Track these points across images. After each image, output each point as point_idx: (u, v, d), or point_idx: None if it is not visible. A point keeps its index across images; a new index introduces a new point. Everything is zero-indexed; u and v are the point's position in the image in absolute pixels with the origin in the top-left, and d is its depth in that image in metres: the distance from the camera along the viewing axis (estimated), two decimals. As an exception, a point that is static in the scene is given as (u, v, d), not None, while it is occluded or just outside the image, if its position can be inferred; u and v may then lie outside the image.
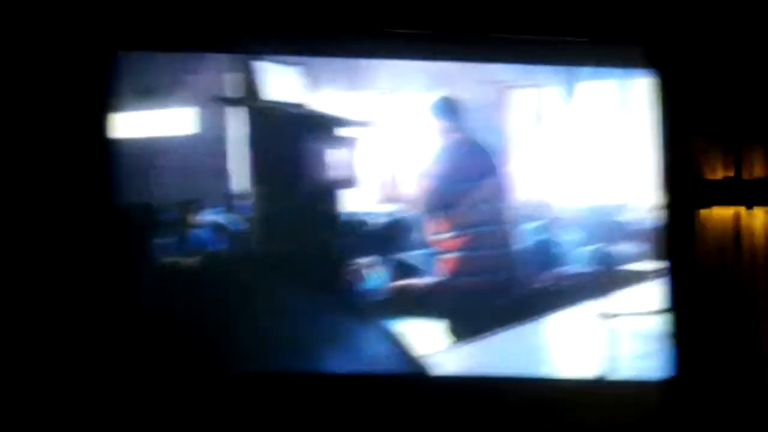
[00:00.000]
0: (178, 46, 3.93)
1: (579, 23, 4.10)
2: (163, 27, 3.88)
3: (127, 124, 3.88)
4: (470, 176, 4.26)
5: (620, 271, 4.28)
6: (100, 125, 3.82)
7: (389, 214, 4.26)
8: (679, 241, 4.13)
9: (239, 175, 4.04)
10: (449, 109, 4.29)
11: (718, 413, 4.05)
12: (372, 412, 3.95)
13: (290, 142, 4.09)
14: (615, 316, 4.16)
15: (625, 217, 4.36)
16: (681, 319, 4.13)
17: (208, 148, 4.04)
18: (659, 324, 4.11)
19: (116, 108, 3.84)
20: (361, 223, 4.18)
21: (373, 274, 4.09)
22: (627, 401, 4.04)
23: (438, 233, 4.23)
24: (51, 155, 3.79)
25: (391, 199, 4.26)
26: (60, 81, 3.79)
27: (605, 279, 4.23)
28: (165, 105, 4.02)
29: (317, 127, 4.13)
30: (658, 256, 4.18)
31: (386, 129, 4.26)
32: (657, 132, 4.16)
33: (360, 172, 4.18)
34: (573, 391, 4.10)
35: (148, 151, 3.93)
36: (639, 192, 4.31)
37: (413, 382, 4.05)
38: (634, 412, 4.03)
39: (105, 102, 3.82)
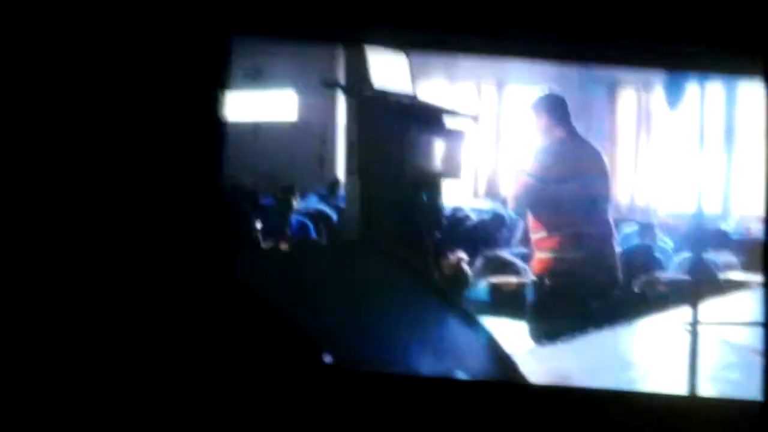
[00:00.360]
0: (290, 34, 3.93)
1: (692, 29, 4.04)
2: (277, 15, 3.89)
3: (236, 106, 3.88)
4: (571, 175, 4.19)
5: (717, 280, 4.21)
6: (210, 105, 3.83)
7: (489, 210, 4.22)
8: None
9: (343, 162, 4.03)
10: (554, 105, 4.24)
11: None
12: (459, 417, 3.94)
13: (396, 131, 4.06)
14: (708, 325, 4.11)
15: (728, 226, 4.29)
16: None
17: (315, 134, 4.03)
18: (754, 338, 4.06)
19: (227, 89, 3.85)
20: (461, 218, 4.14)
21: (471, 269, 4.05)
22: (715, 421, 3.99)
23: (536, 232, 4.18)
24: (162, 131, 3.82)
25: (491, 195, 4.22)
26: (177, 61, 3.82)
27: (701, 287, 4.16)
28: (274, 88, 4.02)
29: (423, 117, 4.10)
30: (759, 268, 4.14)
31: (490, 124, 4.22)
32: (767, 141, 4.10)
33: (463, 165, 4.14)
34: (659, 406, 4.06)
35: (256, 134, 3.91)
36: (743, 201, 4.26)
37: (499, 388, 4.02)
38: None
39: (217, 83, 3.84)
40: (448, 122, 4.14)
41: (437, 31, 3.98)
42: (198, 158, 3.81)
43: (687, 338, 4.06)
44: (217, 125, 3.84)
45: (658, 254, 4.29)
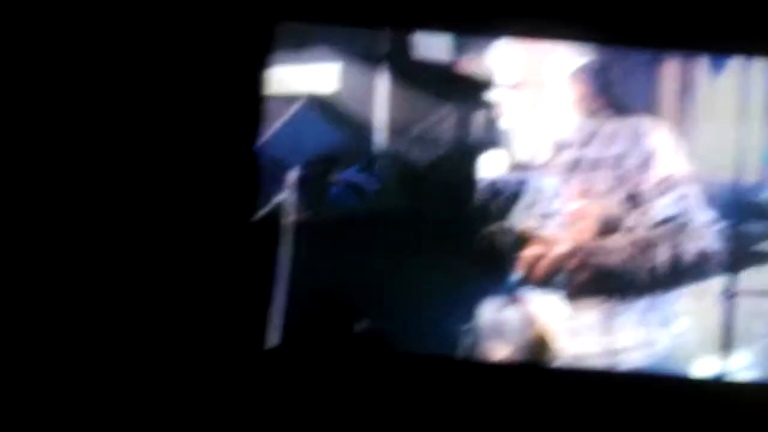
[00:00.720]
0: (333, 20, 4.05)
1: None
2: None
3: (280, 81, 3.97)
4: (610, 145, 4.22)
5: (751, 250, 4.22)
6: (254, 82, 3.95)
7: (526, 180, 4.24)
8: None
9: (381, 134, 4.09)
10: (595, 74, 4.26)
11: None
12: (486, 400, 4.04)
13: (434, 101, 4.13)
14: (744, 295, 4.14)
15: (765, 196, 4.29)
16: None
17: (353, 106, 4.08)
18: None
19: (271, 67, 3.96)
20: (499, 188, 4.17)
21: (508, 240, 4.09)
22: (748, 404, 4.06)
23: (573, 202, 4.21)
24: (209, 106, 3.96)
25: (529, 165, 4.24)
26: (227, 44, 4.05)
27: (735, 257, 4.18)
28: (317, 61, 4.07)
29: (462, 87, 4.15)
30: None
31: (530, 93, 4.23)
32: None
33: (502, 136, 4.19)
34: (690, 389, 4.13)
35: (295, 107, 3.96)
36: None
37: (529, 370, 4.10)
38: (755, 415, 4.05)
39: (261, 63, 3.95)
40: (487, 92, 4.19)
41: (479, 20, 4.07)
42: (238, 132, 3.92)
43: (723, 308, 4.11)
44: (258, 101, 3.95)
45: (694, 224, 4.29)
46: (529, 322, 4.09)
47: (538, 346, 4.08)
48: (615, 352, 4.11)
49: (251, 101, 4.05)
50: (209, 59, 4.04)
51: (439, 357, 4.01)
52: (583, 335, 4.11)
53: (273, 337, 3.77)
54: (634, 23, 4.20)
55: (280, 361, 4.01)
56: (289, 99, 4.09)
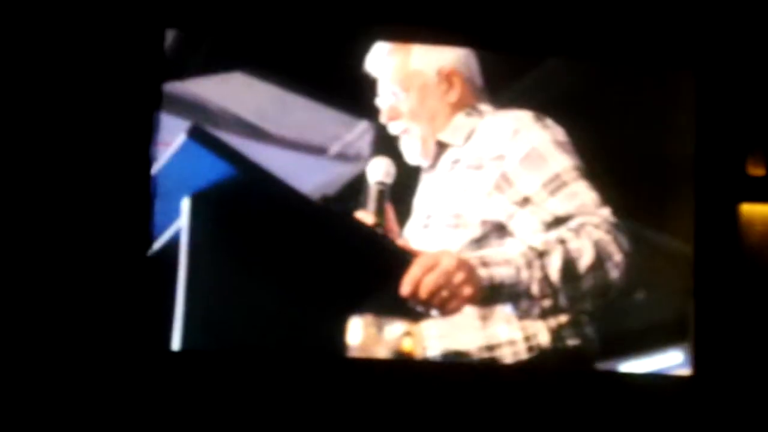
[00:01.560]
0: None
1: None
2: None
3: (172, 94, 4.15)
4: (491, 143, 4.16)
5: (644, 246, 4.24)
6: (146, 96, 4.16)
7: (413, 184, 4.24)
8: (718, 235, 4.17)
9: (267, 149, 4.16)
10: (473, 72, 4.29)
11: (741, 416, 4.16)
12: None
13: (318, 109, 4.19)
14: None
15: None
16: (709, 312, 4.17)
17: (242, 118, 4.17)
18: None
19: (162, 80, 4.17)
20: (384, 196, 4.12)
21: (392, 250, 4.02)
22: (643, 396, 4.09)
23: (457, 204, 4.17)
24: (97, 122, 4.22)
25: (415, 170, 4.24)
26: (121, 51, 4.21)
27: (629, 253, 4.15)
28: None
29: (345, 95, 4.19)
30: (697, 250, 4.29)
31: (411, 96, 4.22)
32: (699, 127, 4.19)
33: (385, 142, 4.19)
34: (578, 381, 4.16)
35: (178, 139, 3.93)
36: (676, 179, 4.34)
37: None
38: (649, 408, 4.08)
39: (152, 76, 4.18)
40: (370, 98, 4.22)
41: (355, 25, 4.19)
42: (127, 150, 4.04)
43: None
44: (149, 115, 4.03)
45: (589, 223, 4.25)
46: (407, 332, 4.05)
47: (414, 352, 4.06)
48: (494, 347, 4.08)
49: (142, 115, 4.09)
50: (96, 73, 4.15)
51: (323, 360, 4.02)
52: (462, 331, 4.07)
53: (175, 342, 3.75)
54: (512, 28, 4.25)
55: (180, 365, 4.13)
56: (184, 113, 4.14)
